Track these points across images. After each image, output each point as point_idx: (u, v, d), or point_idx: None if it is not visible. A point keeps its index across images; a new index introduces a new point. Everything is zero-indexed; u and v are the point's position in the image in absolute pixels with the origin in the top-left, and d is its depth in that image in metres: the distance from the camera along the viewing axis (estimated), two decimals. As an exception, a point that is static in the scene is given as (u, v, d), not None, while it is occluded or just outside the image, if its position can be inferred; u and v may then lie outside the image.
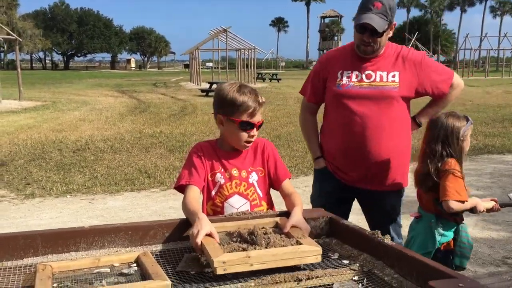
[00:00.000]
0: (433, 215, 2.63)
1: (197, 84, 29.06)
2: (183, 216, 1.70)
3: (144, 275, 1.36)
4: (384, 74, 2.49)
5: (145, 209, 5.55)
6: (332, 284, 1.41)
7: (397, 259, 1.41)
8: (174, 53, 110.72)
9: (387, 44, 2.55)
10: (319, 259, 1.46)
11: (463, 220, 2.68)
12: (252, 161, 1.99)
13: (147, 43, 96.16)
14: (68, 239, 1.52)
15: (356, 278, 1.44)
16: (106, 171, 7.25)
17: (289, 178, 2.01)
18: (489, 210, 2.75)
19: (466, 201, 2.56)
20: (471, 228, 4.83)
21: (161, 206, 5.64)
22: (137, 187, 6.49)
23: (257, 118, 1.90)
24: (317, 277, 1.40)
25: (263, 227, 1.58)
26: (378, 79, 2.49)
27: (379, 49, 2.49)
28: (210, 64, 43.78)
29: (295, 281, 1.38)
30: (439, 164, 2.57)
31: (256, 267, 1.38)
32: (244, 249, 1.45)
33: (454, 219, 2.63)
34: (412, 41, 43.67)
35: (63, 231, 1.54)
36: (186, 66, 61.41)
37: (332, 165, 2.68)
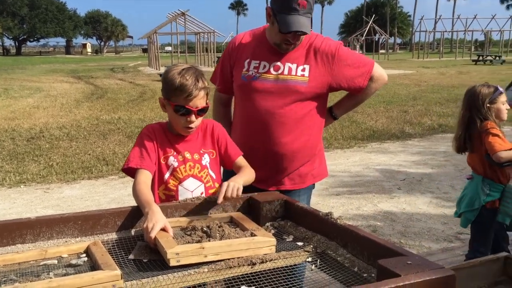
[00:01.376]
0: (481, 176, 2.99)
1: (156, 69, 28.54)
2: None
3: (93, 266, 1.32)
4: (294, 66, 2.24)
5: (103, 197, 5.44)
6: (287, 267, 1.42)
7: (349, 239, 1.42)
8: (131, 37, 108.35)
9: None
10: (273, 250, 1.45)
11: (509, 181, 2.95)
12: (202, 143, 1.96)
13: (103, 27, 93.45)
14: (13, 231, 1.45)
15: (310, 259, 1.45)
16: (62, 160, 7.05)
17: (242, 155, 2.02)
18: None
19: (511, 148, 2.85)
20: (426, 205, 5.00)
21: (120, 193, 5.54)
22: (94, 175, 6.35)
23: (195, 103, 1.83)
24: (271, 260, 1.40)
25: (217, 221, 1.58)
26: (286, 71, 2.24)
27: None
28: (169, 48, 43.06)
29: (249, 265, 1.37)
30: (474, 129, 2.97)
31: (210, 258, 1.36)
32: (198, 241, 1.43)
33: (499, 179, 2.95)
34: (370, 23, 44.24)
35: (8, 222, 1.47)
36: (145, 50, 60.16)
37: None
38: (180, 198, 1.86)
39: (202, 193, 1.91)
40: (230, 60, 2.39)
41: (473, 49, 48.73)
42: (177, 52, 32.92)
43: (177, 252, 1.33)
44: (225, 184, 1.71)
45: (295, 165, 2.36)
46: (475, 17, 44.72)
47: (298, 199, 2.38)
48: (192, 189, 1.90)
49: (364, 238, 1.36)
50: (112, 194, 5.54)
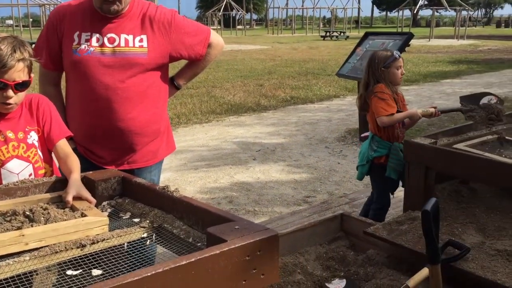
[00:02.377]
0: (372, 134, 3.21)
1: (-5, 45, 25.59)
2: None
3: None
4: (130, 38, 2.14)
5: None
6: (123, 245, 1.37)
7: (185, 210, 1.42)
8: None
9: (133, 1, 2.19)
10: (105, 229, 1.38)
11: (398, 140, 3.16)
12: (28, 120, 1.79)
13: None
14: None
15: (145, 235, 1.42)
16: None
17: (67, 138, 1.86)
18: (428, 116, 3.21)
19: (393, 113, 3.06)
20: (278, 173, 5.27)
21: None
22: None
23: (11, 77, 1.66)
24: (104, 240, 1.34)
25: (42, 204, 1.45)
26: (123, 43, 2.13)
27: (124, 8, 2.13)
28: (11, 22, 38.90)
29: (78, 247, 1.29)
30: (369, 90, 3.16)
31: (32, 245, 1.25)
32: (19, 228, 1.30)
33: (387, 137, 3.15)
34: (226, -1, 44.70)
35: None
36: (-20, 24, 53.48)
37: (81, 147, 2.24)
38: (4, 182, 1.68)
39: (30, 175, 1.75)
40: (57, 33, 2.17)
41: (321, 25, 52.05)
42: (19, 26, 29.84)
43: None
44: (79, 188, 1.54)
45: (145, 140, 2.28)
46: (322, -5, 47.75)
47: (149, 175, 2.35)
48: (17, 171, 1.74)
49: (198, 208, 1.37)
50: None
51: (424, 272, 1.52)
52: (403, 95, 3.34)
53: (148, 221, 1.46)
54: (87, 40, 2.13)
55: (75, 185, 1.54)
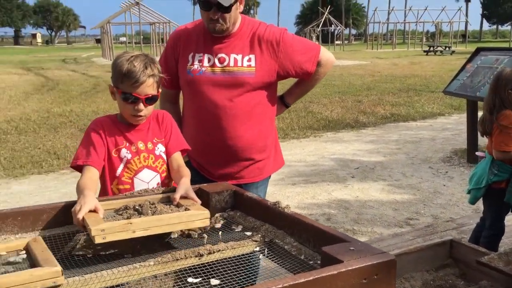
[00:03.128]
0: (491, 156, 2.98)
1: (110, 60, 27.82)
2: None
3: (33, 263, 1.27)
4: (239, 57, 2.21)
5: (54, 192, 5.28)
6: (235, 257, 1.42)
7: (296, 227, 1.43)
8: (84, 27, 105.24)
9: (243, 21, 2.26)
10: (206, 222, 1.44)
11: None
12: (156, 132, 1.92)
13: (53, 16, 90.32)
14: None
15: (257, 249, 1.45)
16: (10, 154, 6.78)
17: (182, 151, 1.96)
18: None
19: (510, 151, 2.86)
20: (378, 192, 5.12)
21: (72, 188, 5.30)
22: (45, 169, 6.14)
23: (143, 91, 1.79)
24: (219, 251, 1.39)
25: (151, 199, 1.55)
26: (232, 63, 2.21)
27: (230, 27, 2.19)
28: (124, 39, 42.12)
29: (196, 256, 1.36)
30: (495, 113, 2.91)
31: (138, 233, 1.33)
32: (128, 218, 1.40)
33: (510, 161, 2.92)
34: (325, 15, 44.74)
35: None
36: (98, 41, 58.55)
37: (194, 161, 2.36)
38: (136, 190, 1.82)
39: (158, 184, 1.88)
40: (174, 54, 2.32)
41: (424, 40, 50.10)
42: (131, 42, 32.20)
43: (102, 228, 1.29)
44: (187, 188, 1.64)
45: (252, 157, 2.35)
46: (426, 9, 46.00)
47: (256, 191, 2.41)
48: (148, 180, 1.86)
49: (310, 226, 1.37)
50: (63, 188, 5.38)
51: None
52: None
53: (260, 235, 1.50)
54: (200, 61, 2.24)
55: (184, 187, 1.64)
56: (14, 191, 5.32)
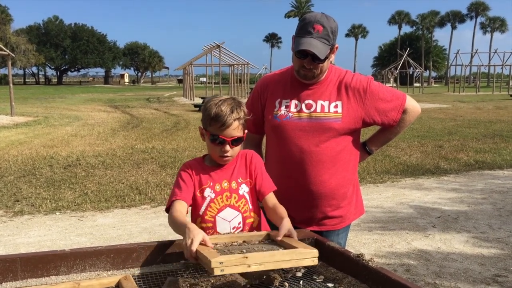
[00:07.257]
0: None
1: (191, 99, 29.11)
2: (172, 235, 1.68)
3: (124, 301, 1.33)
4: (326, 104, 2.25)
5: (135, 226, 5.50)
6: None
7: (381, 283, 1.39)
8: (167, 68, 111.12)
9: (330, 69, 2.30)
10: (315, 261, 1.46)
11: None
12: (242, 172, 1.97)
13: (140, 58, 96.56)
14: (48, 262, 1.49)
15: (340, 302, 1.43)
16: (96, 188, 7.20)
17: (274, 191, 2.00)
18: None
19: None
20: (462, 245, 4.83)
21: (152, 223, 5.59)
22: (127, 203, 6.44)
23: (229, 133, 1.86)
24: (302, 301, 1.38)
25: (256, 237, 1.61)
26: (319, 109, 2.25)
27: (320, 75, 2.25)
28: (204, 79, 43.92)
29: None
30: None
31: (253, 268, 1.37)
32: (241, 252, 1.44)
33: None
34: (404, 57, 44.08)
35: (43, 254, 1.51)
36: (180, 81, 61.51)
37: None
38: (218, 228, 1.87)
39: (239, 223, 1.91)
40: (261, 100, 2.39)
41: (510, 83, 47.64)
42: (211, 83, 33.51)
43: (221, 261, 1.33)
44: (291, 228, 1.68)
45: (334, 203, 2.34)
46: (512, 52, 43.98)
47: (337, 238, 2.39)
48: (229, 219, 1.90)
49: (397, 283, 1.33)
50: (144, 223, 5.59)
51: None
52: None
53: (342, 288, 1.47)
54: (287, 106, 2.29)
55: (286, 226, 1.67)
56: (99, 224, 5.61)
